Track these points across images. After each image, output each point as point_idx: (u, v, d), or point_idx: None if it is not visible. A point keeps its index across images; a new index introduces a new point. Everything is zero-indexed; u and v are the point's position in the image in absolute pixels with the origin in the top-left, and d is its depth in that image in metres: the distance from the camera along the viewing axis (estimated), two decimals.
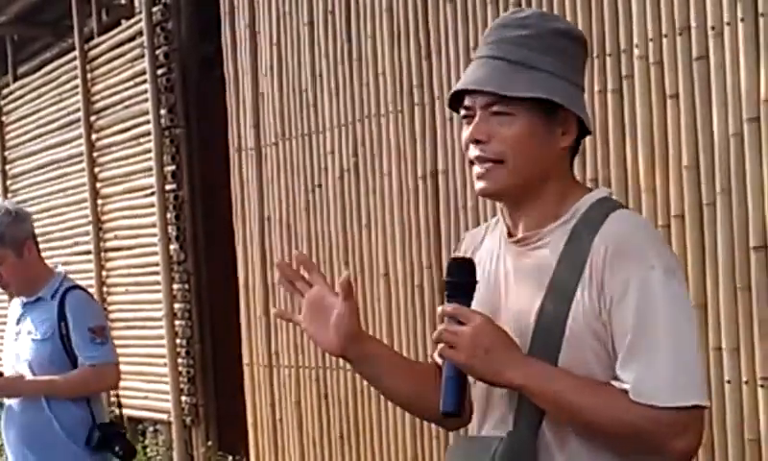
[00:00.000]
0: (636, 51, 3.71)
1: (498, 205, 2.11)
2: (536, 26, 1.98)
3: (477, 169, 1.98)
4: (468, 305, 1.95)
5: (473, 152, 1.98)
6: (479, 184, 1.99)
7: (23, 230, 4.20)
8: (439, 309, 1.99)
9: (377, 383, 2.21)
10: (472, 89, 1.97)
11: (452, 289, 1.97)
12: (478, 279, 1.99)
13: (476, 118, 1.97)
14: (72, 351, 4.15)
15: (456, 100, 2.04)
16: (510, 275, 2.03)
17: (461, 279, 1.97)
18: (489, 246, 2.11)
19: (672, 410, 1.84)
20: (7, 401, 4.36)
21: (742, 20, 3.37)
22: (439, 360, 2.11)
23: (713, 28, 3.46)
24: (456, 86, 2.02)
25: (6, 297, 5.18)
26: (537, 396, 1.91)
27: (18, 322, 4.30)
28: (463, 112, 2.01)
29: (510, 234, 2.06)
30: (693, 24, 3.52)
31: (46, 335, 4.17)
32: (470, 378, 2.01)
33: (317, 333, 2.11)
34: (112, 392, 7.77)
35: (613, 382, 1.89)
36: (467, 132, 1.99)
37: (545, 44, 1.96)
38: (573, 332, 1.91)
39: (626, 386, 1.87)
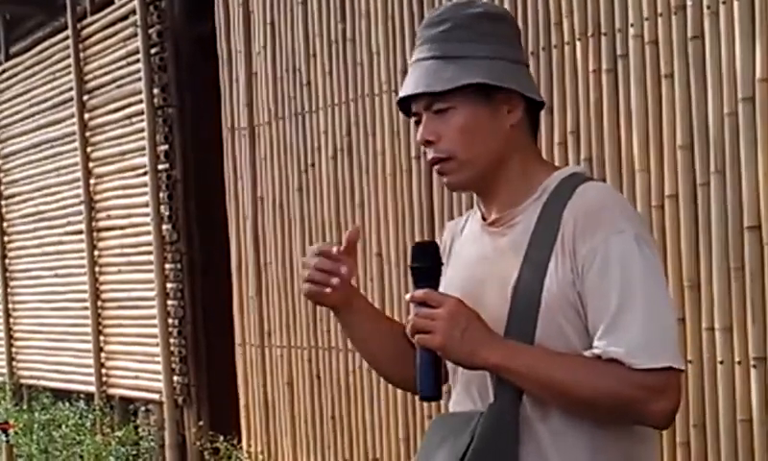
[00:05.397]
0: (631, 30, 3.70)
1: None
2: (453, 18, 2.04)
3: (436, 167, 2.05)
4: (436, 289, 1.97)
5: (428, 154, 2.05)
6: (443, 180, 2.07)
7: None
8: (407, 296, 2.01)
9: (358, 344, 2.30)
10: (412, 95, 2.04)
11: (418, 275, 1.99)
12: (444, 264, 2.05)
13: (423, 120, 2.03)
14: None
15: (407, 107, 2.10)
16: (488, 255, 2.07)
17: (426, 264, 1.99)
18: (468, 231, 2.18)
19: (648, 372, 1.86)
20: None
21: None
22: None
23: (709, 7, 3.44)
24: (398, 96, 2.08)
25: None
26: (513, 373, 1.92)
27: None
28: (413, 119, 2.08)
29: (485, 218, 2.11)
30: (689, 3, 3.50)
31: None
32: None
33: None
34: (102, 371, 7.79)
35: (586, 352, 1.92)
36: (419, 135, 2.06)
37: (466, 31, 2.01)
38: (548, 304, 1.94)
39: (597, 351, 1.89)
